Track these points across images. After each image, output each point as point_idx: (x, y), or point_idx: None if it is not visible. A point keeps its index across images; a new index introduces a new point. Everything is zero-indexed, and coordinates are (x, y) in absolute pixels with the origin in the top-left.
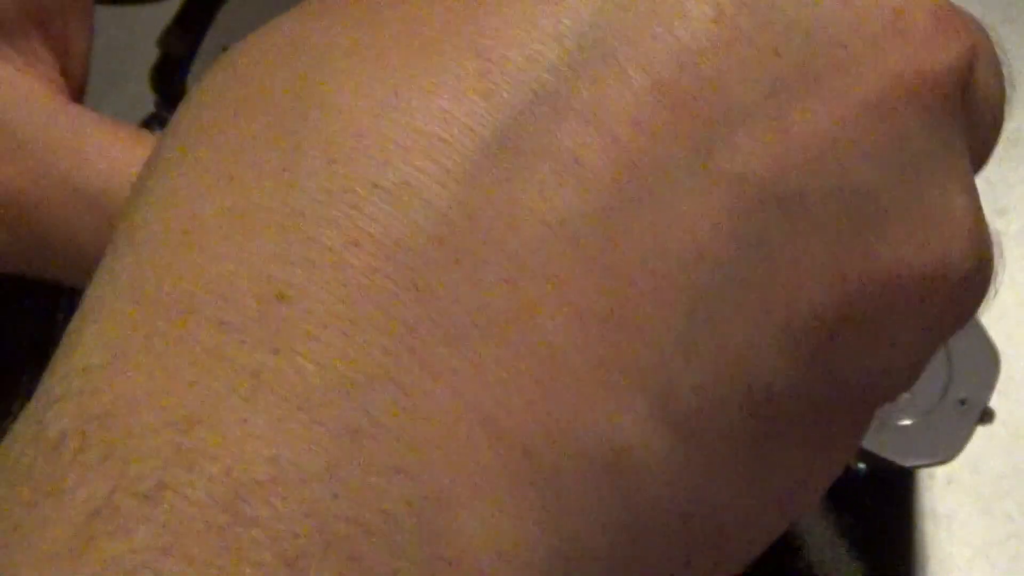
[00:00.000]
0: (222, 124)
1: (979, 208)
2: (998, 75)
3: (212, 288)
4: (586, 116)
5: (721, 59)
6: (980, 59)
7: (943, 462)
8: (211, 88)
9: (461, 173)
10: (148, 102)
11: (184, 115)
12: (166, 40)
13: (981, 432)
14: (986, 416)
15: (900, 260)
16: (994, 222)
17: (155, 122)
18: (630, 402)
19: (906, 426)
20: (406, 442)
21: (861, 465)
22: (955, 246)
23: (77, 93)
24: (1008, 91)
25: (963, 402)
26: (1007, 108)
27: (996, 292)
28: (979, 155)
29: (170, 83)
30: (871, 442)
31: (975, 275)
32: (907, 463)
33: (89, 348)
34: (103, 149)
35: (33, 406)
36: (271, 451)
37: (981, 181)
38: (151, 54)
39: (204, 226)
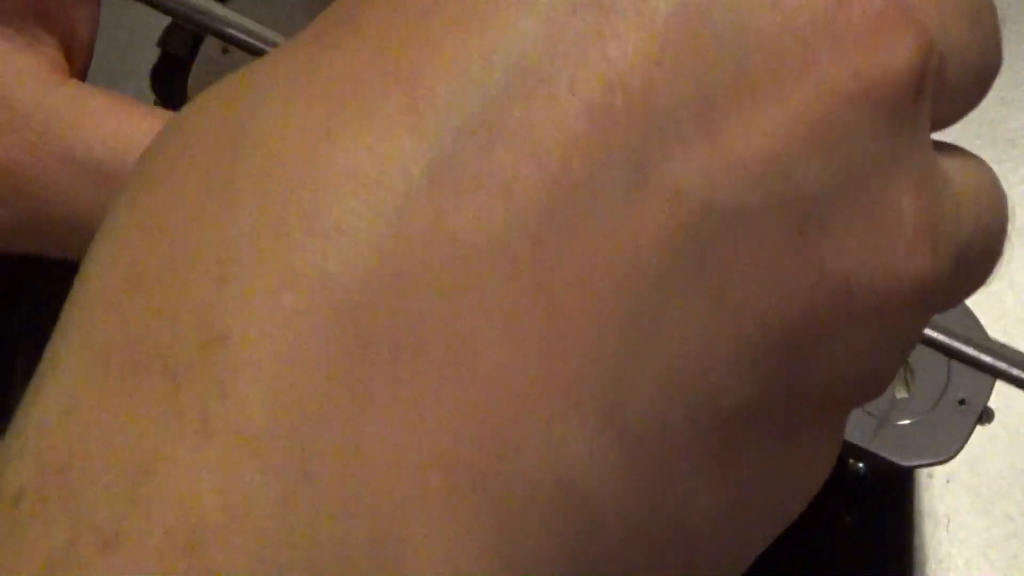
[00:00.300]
0: (164, 175)
1: (934, 206)
2: (980, 45)
3: (156, 337)
4: (516, 142)
5: (651, 75)
6: (945, 45)
7: (943, 462)
8: (159, 141)
9: (392, 210)
10: (148, 102)
11: (134, 169)
12: (166, 40)
13: (980, 432)
14: (985, 416)
15: (848, 268)
16: None
17: None
18: (575, 425)
19: (906, 426)
20: (355, 482)
21: (861, 465)
22: (906, 250)
23: (79, 73)
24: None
25: (962, 402)
26: (1008, 111)
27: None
28: (965, 108)
29: (170, 83)
30: (871, 442)
31: (936, 276)
32: (907, 463)
33: (45, 404)
34: (101, 119)
35: None
36: (224, 497)
37: None
38: (151, 54)
39: (145, 276)
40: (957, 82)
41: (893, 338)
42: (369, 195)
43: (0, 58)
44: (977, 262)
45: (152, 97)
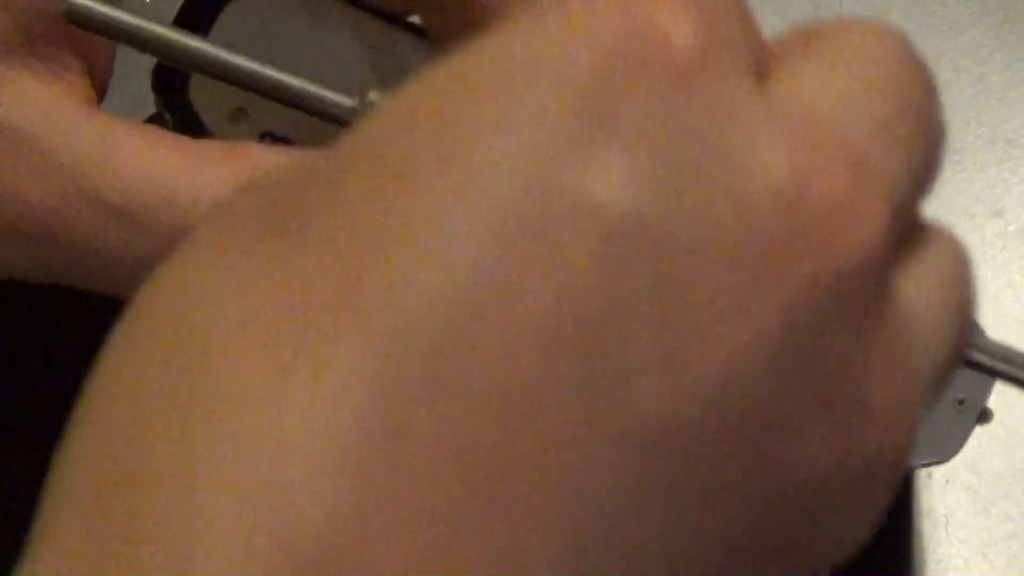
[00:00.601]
0: (119, 391)
1: (905, 383)
2: (933, 150)
3: (124, 558)
4: (464, 391)
5: (604, 298)
6: (905, 179)
7: (942, 462)
8: (113, 346)
9: (350, 469)
10: (149, 103)
11: (95, 371)
12: None
13: (979, 432)
14: (984, 416)
15: (818, 467)
16: (992, 223)
17: (156, 123)
18: None
19: None
20: None
21: None
22: (878, 436)
23: (101, 91)
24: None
25: (962, 402)
26: (1008, 111)
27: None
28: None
29: (171, 84)
30: None
31: (912, 435)
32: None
33: None
34: (131, 161)
35: None
36: None
37: (979, 182)
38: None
39: (113, 500)
40: (915, 195)
41: (875, 496)
42: (326, 451)
43: (29, 95)
44: (947, 366)
45: (152, 98)
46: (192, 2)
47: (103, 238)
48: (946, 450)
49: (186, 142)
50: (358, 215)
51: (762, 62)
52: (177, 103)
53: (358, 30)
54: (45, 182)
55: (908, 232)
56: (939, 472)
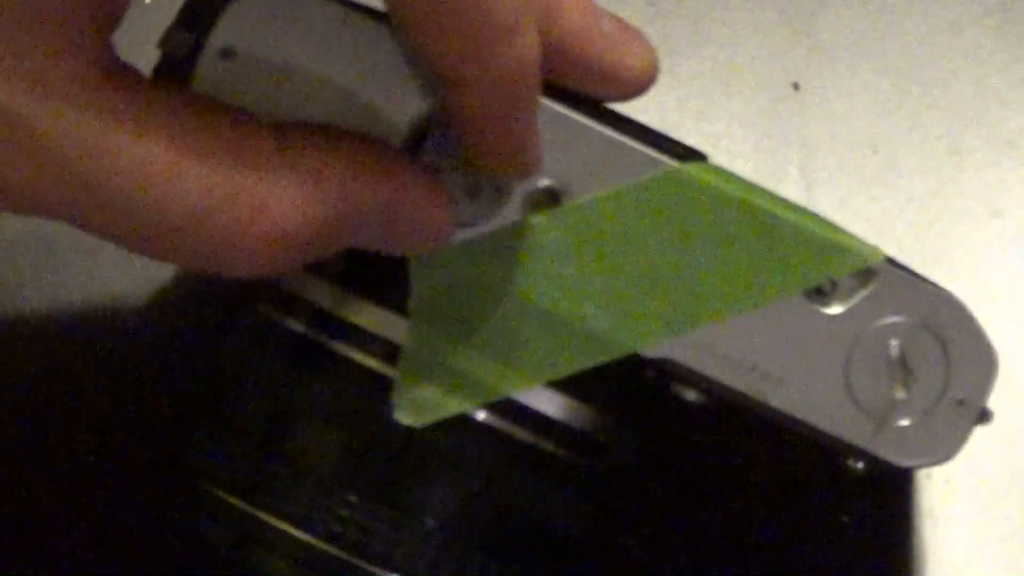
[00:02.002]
0: None
1: None
2: None
3: None
4: None
5: None
6: None
7: (941, 462)
8: None
9: None
10: None
11: None
12: (167, 41)
13: (979, 433)
14: (984, 417)
15: None
16: (992, 223)
17: None
18: None
19: (904, 427)
20: None
21: (859, 465)
22: None
23: (114, 27)
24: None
25: (961, 403)
26: (1008, 111)
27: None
28: None
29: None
30: (869, 442)
31: None
32: (905, 463)
33: None
34: (125, 150)
35: None
36: None
37: (979, 182)
38: (151, 55)
39: None
40: None
41: None
42: None
43: (34, 75)
44: None
45: None
46: (192, 2)
47: (97, 225)
48: (945, 450)
49: (190, 129)
50: None
51: None
52: None
53: (371, 39)
54: (36, 168)
55: None
56: (939, 472)
